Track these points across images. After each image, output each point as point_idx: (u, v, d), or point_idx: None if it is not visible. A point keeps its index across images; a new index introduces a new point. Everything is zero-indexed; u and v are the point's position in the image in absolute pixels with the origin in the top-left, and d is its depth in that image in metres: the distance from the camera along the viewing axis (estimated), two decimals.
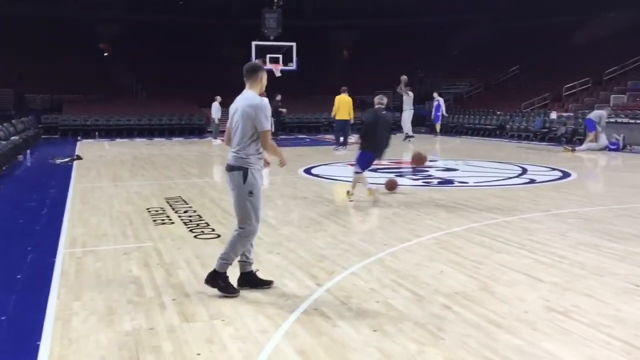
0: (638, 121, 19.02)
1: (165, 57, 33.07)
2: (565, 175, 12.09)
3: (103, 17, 34.41)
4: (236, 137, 4.62)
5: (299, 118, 28.55)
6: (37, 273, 5.39)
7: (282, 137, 23.56)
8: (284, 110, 23.44)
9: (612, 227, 7.06)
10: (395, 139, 20.81)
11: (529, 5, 32.62)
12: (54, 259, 5.68)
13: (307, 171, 12.70)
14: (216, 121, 21.76)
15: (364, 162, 8.69)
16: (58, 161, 14.64)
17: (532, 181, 11.37)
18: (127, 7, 34.69)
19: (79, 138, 23.82)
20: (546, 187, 10.57)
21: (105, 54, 35.23)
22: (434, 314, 4.22)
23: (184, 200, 8.95)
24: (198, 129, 27.03)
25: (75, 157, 15.23)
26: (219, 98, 21.52)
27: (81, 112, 26.67)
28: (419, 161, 10.07)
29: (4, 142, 14.04)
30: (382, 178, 10.28)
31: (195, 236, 6.62)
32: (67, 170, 12.99)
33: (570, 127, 21.21)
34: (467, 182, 11.29)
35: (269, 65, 22.76)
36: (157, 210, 8.14)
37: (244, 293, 4.64)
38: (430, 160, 14.74)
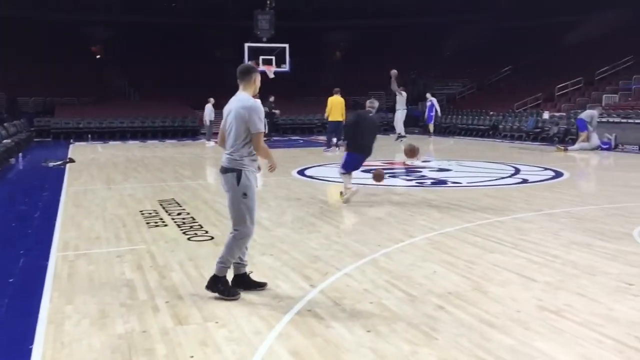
0: (630, 120, 19.13)
1: (158, 59, 33.01)
2: (558, 175, 12.14)
3: (95, 19, 34.34)
4: (230, 139, 4.62)
5: (293, 119, 28.57)
6: (29, 277, 5.36)
7: (275, 138, 23.56)
8: (277, 111, 23.43)
9: (604, 226, 7.10)
10: (387, 140, 20.94)
11: (521, 6, 32.77)
12: (46, 263, 5.65)
13: (301, 172, 12.70)
14: (207, 123, 21.74)
15: (348, 163, 8.72)
16: (50, 164, 14.57)
17: (524, 181, 11.42)
18: (119, 10, 34.61)
19: (71, 141, 23.73)
20: (539, 187, 10.61)
21: (98, 57, 35.13)
22: (427, 314, 4.23)
23: (177, 203, 8.93)
24: (191, 131, 26.99)
25: (67, 160, 15.17)
26: (212, 100, 21.48)
27: (74, 115, 26.60)
28: (411, 153, 10.09)
29: None
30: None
31: (188, 238, 6.61)
32: (59, 173, 12.93)
33: (562, 127, 21.32)
34: (460, 183, 11.33)
35: (262, 67, 22.75)
36: (150, 213, 8.12)
37: None
38: (424, 161, 14.80)
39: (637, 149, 17.88)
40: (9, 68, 28.35)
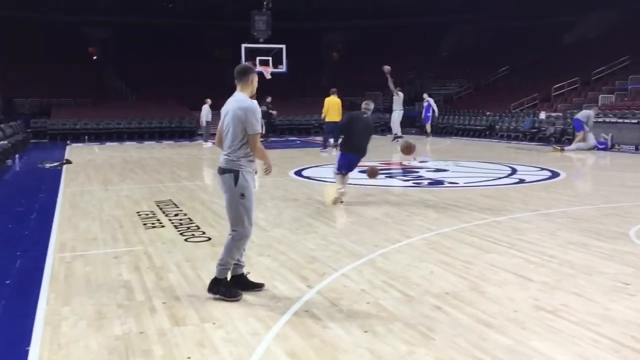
0: (626, 121, 19.19)
1: (155, 60, 33.00)
2: (555, 175, 12.17)
3: (93, 20, 34.29)
4: (227, 139, 4.62)
5: (290, 120, 28.56)
6: (26, 278, 5.36)
7: (272, 139, 23.57)
8: (274, 112, 23.43)
9: (601, 226, 7.12)
10: (384, 140, 20.98)
11: (518, 6, 32.82)
12: (43, 264, 5.64)
13: (298, 173, 12.71)
14: (203, 123, 21.74)
15: (342, 163, 8.76)
16: (47, 165, 14.55)
17: (521, 181, 11.44)
18: (117, 10, 34.55)
19: (68, 142, 23.69)
20: (535, 187, 10.63)
21: (95, 57, 35.08)
22: (424, 314, 4.24)
23: (174, 204, 8.93)
24: (188, 132, 26.97)
25: (64, 161, 15.15)
26: (209, 101, 21.51)
27: (70, 116, 26.55)
28: (407, 150, 10.17)
29: None
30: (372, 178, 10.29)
31: (185, 239, 6.61)
32: (56, 174, 12.91)
33: (559, 127, 21.37)
34: (457, 183, 11.34)
35: (259, 68, 22.75)
36: (147, 214, 8.12)
37: None
38: (421, 161, 14.82)
39: (634, 149, 17.94)
40: (5, 69, 28.30)
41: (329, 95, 17.43)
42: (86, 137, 25.28)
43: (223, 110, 4.72)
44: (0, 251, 6.46)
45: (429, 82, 33.45)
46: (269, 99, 22.58)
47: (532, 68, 29.71)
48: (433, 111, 24.23)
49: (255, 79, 4.77)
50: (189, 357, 3.57)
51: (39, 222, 7.90)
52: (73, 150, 19.58)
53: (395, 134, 20.74)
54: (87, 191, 10.40)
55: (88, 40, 34.70)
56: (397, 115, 21.10)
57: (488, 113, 26.00)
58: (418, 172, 13.03)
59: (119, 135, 25.98)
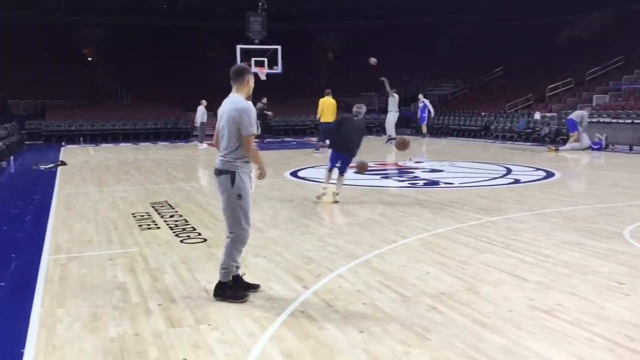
0: (620, 121, 19.27)
1: (150, 61, 32.93)
2: (549, 175, 12.21)
3: (87, 21, 34.19)
4: (223, 141, 4.62)
5: (285, 121, 28.55)
6: (21, 280, 5.34)
7: (268, 140, 23.57)
8: (269, 113, 23.43)
9: (595, 225, 7.15)
10: (379, 141, 21.01)
11: (513, 7, 32.92)
12: (38, 266, 5.62)
13: (294, 174, 12.71)
14: (198, 124, 21.72)
15: (332, 160, 9.15)
16: (42, 167, 14.50)
17: (516, 181, 11.47)
18: (111, 11, 34.49)
19: (63, 144, 23.62)
20: (530, 187, 10.67)
21: (90, 59, 34.99)
22: (420, 314, 4.24)
23: (169, 205, 8.91)
24: (184, 133, 26.93)
25: (59, 163, 15.10)
26: (204, 102, 21.48)
27: (65, 118, 26.48)
28: (402, 146, 10.30)
29: None
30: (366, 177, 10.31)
31: (181, 241, 6.60)
32: (51, 176, 12.87)
33: (553, 127, 21.44)
34: (452, 183, 11.36)
35: (254, 69, 22.75)
36: (142, 215, 8.10)
37: None
38: (416, 162, 14.85)
39: (628, 148, 18.01)
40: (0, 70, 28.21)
41: (323, 96, 17.46)
42: (81, 138, 25.23)
43: (219, 111, 4.72)
44: None
45: (424, 82, 33.50)
46: (264, 100, 22.59)
47: (527, 68, 29.79)
48: (429, 112, 24.29)
49: (252, 79, 4.77)
50: (185, 359, 3.56)
51: (34, 223, 7.88)
52: (68, 152, 19.53)
53: (389, 136, 20.79)
54: (82, 193, 10.37)
55: (83, 41, 34.60)
56: (392, 116, 21.16)
57: (483, 113, 26.07)
58: (413, 172, 13.05)
59: (114, 137, 25.93)
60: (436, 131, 26.31)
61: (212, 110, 21.52)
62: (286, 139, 25.43)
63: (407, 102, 29.62)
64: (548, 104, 25.26)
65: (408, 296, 4.65)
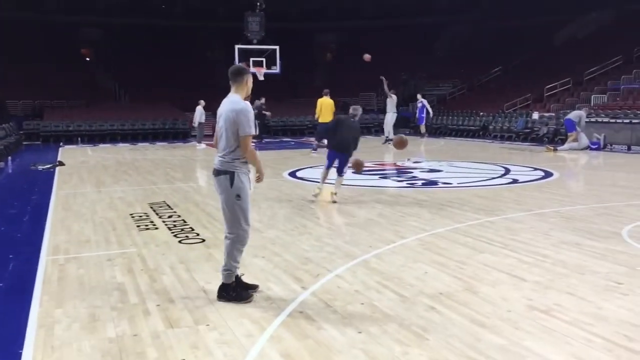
0: (618, 120, 19.29)
1: (148, 61, 32.91)
2: (548, 175, 12.22)
3: (86, 21, 34.15)
4: (222, 141, 4.61)
5: (284, 121, 28.53)
6: (19, 281, 5.33)
7: (266, 140, 23.56)
8: (268, 113, 23.43)
9: (593, 225, 7.16)
10: (377, 141, 21.02)
11: (510, 6, 32.95)
12: (36, 267, 5.62)
13: (292, 174, 12.71)
14: (196, 124, 21.72)
15: (329, 158, 9.32)
16: (40, 167, 14.48)
17: (514, 181, 11.48)
18: (109, 12, 34.46)
19: (61, 144, 23.59)
20: (529, 187, 10.68)
21: (87, 59, 34.95)
22: (418, 314, 4.24)
23: (168, 205, 8.91)
24: (182, 134, 26.91)
25: (57, 163, 15.09)
26: (202, 102, 21.49)
27: (63, 118, 26.43)
28: (400, 145, 10.37)
29: None
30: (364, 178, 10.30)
31: (179, 241, 6.59)
32: (49, 176, 12.86)
33: (552, 127, 21.46)
34: (451, 183, 11.37)
35: (252, 69, 22.75)
36: (140, 216, 8.10)
37: None
38: (415, 162, 14.85)
39: (626, 148, 18.03)
40: None
41: (321, 97, 17.46)
42: (79, 139, 25.17)
43: (218, 112, 4.72)
44: None
45: (423, 82, 33.52)
46: (262, 100, 22.57)
47: (525, 68, 29.82)
48: (427, 112, 24.31)
49: (250, 79, 4.76)
50: (184, 359, 3.56)
51: (32, 224, 7.87)
52: (66, 152, 19.50)
53: (387, 137, 20.83)
54: (80, 193, 10.36)
55: (81, 41, 34.55)
56: (390, 117, 21.20)
57: (481, 113, 26.09)
58: (412, 172, 13.06)
59: (112, 137, 25.89)
60: (434, 131, 26.32)
61: (211, 110, 21.33)
62: (284, 139, 25.42)
63: (405, 102, 29.63)
64: (546, 103, 25.29)
65: (406, 296, 4.65)
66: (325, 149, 16.93)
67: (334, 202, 8.92)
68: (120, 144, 23.68)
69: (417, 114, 24.92)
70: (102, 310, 4.41)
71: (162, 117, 27.55)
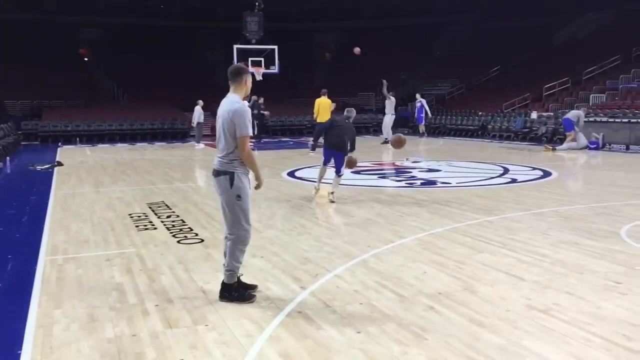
0: (617, 120, 19.30)
1: (147, 61, 32.89)
2: (546, 174, 12.23)
3: (85, 21, 34.12)
4: (221, 142, 4.61)
5: (282, 121, 28.52)
6: (17, 281, 5.33)
7: (265, 140, 23.56)
8: (266, 113, 23.42)
9: (592, 225, 7.16)
10: (376, 140, 21.02)
11: (509, 6, 32.97)
12: (34, 267, 5.61)
13: (291, 174, 12.70)
14: (195, 124, 21.72)
15: (325, 155, 9.49)
16: (38, 168, 14.47)
17: (513, 181, 11.49)
18: (108, 12, 34.43)
19: (59, 144, 23.57)
20: (527, 187, 10.68)
21: (86, 59, 34.92)
22: (417, 314, 4.24)
23: (166, 205, 8.90)
24: (181, 133, 26.90)
25: (55, 164, 15.07)
26: (201, 102, 21.49)
27: (62, 118, 26.41)
28: (397, 144, 10.47)
29: None
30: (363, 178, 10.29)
31: (178, 241, 6.59)
32: (47, 176, 12.85)
33: (550, 127, 21.48)
34: (449, 183, 11.37)
35: (250, 69, 22.74)
36: (139, 216, 8.09)
37: None
38: (414, 162, 14.86)
39: (624, 148, 18.04)
40: None
41: (319, 96, 17.46)
42: (78, 139, 25.14)
43: (217, 112, 4.71)
44: None
45: (421, 82, 33.53)
46: (261, 100, 22.56)
47: (524, 68, 29.84)
48: (426, 112, 24.31)
49: (249, 79, 4.75)
50: (182, 359, 3.56)
51: (31, 224, 7.86)
52: (64, 152, 19.49)
53: (386, 139, 20.87)
54: (78, 193, 10.35)
55: (79, 41, 34.52)
56: (388, 119, 21.25)
57: (480, 113, 26.10)
58: (411, 172, 13.06)
59: (111, 137, 25.87)
60: (433, 131, 26.33)
61: (210, 110, 21.29)
62: (283, 139, 25.41)
63: (404, 102, 29.63)
64: (545, 103, 25.30)
65: (405, 296, 4.65)
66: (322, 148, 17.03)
67: (332, 202, 8.93)
68: (119, 144, 23.66)
69: (416, 114, 24.91)
70: (100, 310, 4.41)
71: (161, 117, 27.53)
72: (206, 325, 4.09)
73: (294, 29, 35.53)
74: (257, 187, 4.73)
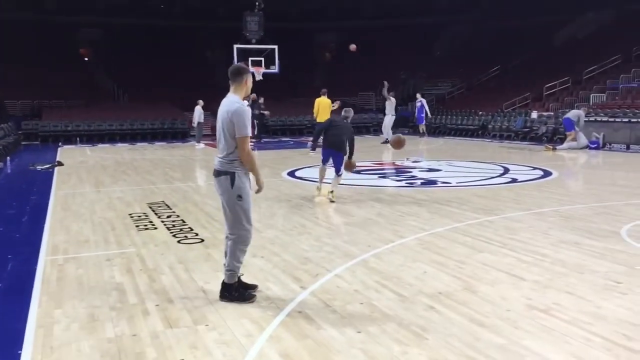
0: (617, 120, 19.30)
1: (147, 61, 32.88)
2: (547, 174, 12.23)
3: (85, 21, 34.11)
4: (221, 142, 4.60)
5: (283, 120, 28.52)
6: (18, 281, 5.33)
7: (265, 139, 23.56)
8: (267, 112, 23.41)
9: (592, 224, 7.16)
10: (376, 140, 21.03)
11: (509, 6, 32.96)
12: (35, 267, 5.62)
13: (291, 174, 12.70)
14: (195, 124, 21.72)
15: (323, 156, 9.54)
16: (39, 167, 14.47)
17: (514, 180, 11.48)
18: (108, 12, 34.42)
19: (60, 144, 23.58)
20: (528, 186, 10.68)
21: (86, 59, 34.92)
22: (417, 314, 4.24)
23: (167, 205, 8.90)
24: (181, 133, 26.90)
25: (56, 163, 15.08)
26: (201, 102, 21.49)
27: (62, 118, 26.41)
28: (397, 145, 10.52)
29: None
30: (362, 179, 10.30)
31: (178, 241, 6.59)
32: (48, 176, 12.85)
33: (551, 127, 21.47)
34: (450, 183, 11.37)
35: (251, 69, 22.75)
36: (139, 216, 8.09)
37: None
38: (414, 161, 14.85)
39: (625, 147, 18.04)
40: None
41: (319, 96, 17.45)
42: (78, 139, 25.15)
43: (218, 112, 4.71)
44: None
45: (422, 82, 33.52)
46: (261, 100, 22.55)
47: (524, 68, 29.82)
48: (426, 112, 24.31)
49: (250, 79, 4.74)
50: (183, 359, 3.56)
51: (31, 224, 7.86)
52: (65, 152, 19.49)
53: (386, 139, 20.88)
54: (79, 193, 10.36)
55: (79, 41, 34.51)
56: (388, 120, 21.26)
57: (480, 113, 26.10)
58: (411, 172, 13.05)
59: (111, 137, 25.87)
60: (433, 130, 26.32)
61: (210, 110, 21.27)
62: (283, 139, 25.41)
63: (404, 102, 29.63)
64: (545, 103, 25.29)
65: (406, 296, 4.65)
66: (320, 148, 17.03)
67: (332, 201, 8.93)
68: (119, 144, 23.66)
69: (416, 114, 24.90)
70: (101, 310, 4.41)
71: (160, 117, 27.53)
72: (206, 325, 4.09)
73: (294, 29, 35.51)
74: (258, 191, 4.72)
